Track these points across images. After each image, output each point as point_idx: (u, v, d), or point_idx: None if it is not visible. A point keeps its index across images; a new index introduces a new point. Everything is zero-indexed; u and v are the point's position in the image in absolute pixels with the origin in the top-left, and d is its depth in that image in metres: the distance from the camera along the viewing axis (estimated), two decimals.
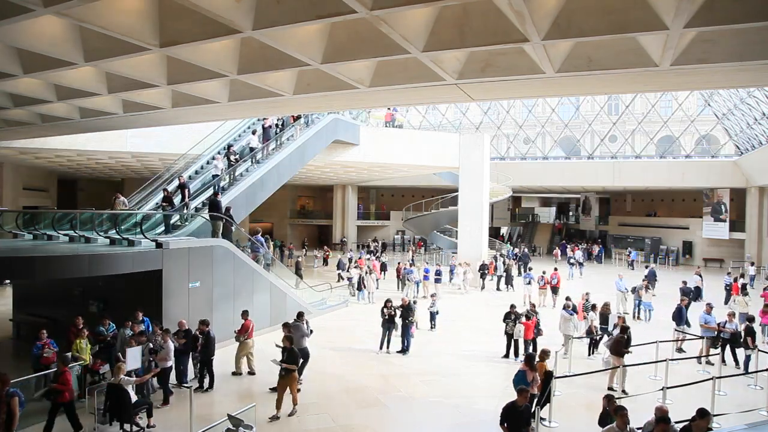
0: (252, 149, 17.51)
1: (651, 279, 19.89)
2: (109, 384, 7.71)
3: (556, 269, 19.74)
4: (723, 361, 11.31)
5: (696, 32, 5.71)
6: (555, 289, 18.87)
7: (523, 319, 12.00)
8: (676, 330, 12.92)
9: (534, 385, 8.10)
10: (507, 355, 12.16)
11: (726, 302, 18.50)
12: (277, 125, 19.10)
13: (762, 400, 9.41)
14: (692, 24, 5.18)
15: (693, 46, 5.98)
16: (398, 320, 12.70)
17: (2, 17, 5.72)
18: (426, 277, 20.16)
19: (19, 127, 13.69)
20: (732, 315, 11.74)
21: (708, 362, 11.32)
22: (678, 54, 6.09)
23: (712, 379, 8.79)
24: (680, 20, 5.13)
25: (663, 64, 6.22)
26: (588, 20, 5.48)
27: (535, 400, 8.08)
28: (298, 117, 19.38)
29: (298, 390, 9.03)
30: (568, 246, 33.56)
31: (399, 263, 23.12)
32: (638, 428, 6.07)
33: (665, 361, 9.74)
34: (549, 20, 5.54)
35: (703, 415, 5.81)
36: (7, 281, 17.86)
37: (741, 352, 11.37)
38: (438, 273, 20.62)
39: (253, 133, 17.95)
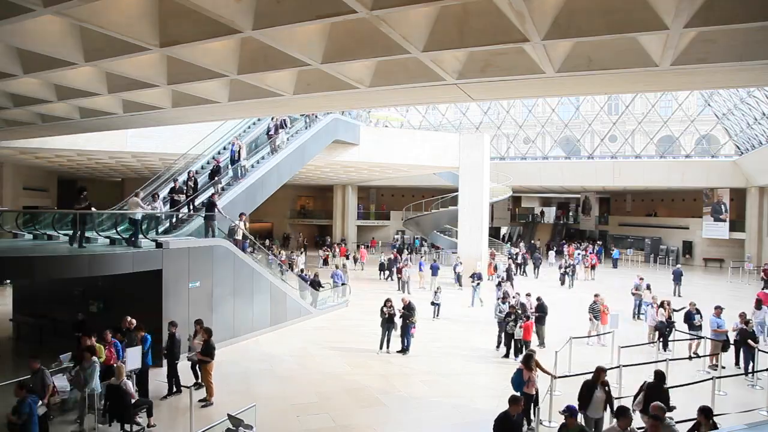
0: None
1: (677, 279, 20.65)
2: (108, 385, 7.71)
3: (591, 252, 28.27)
4: (737, 363, 11.32)
5: (696, 32, 5.71)
6: (593, 267, 26.61)
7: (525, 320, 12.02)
8: (690, 334, 12.46)
9: (530, 385, 8.12)
10: (507, 355, 12.17)
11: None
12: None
13: (762, 400, 9.41)
14: (692, 24, 5.18)
15: (693, 46, 5.98)
16: (398, 320, 12.70)
17: (2, 17, 5.72)
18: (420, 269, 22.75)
19: (19, 127, 13.69)
20: (743, 316, 11.62)
21: (714, 366, 11.21)
22: (678, 54, 6.09)
23: (712, 379, 8.79)
24: (680, 20, 5.13)
25: (663, 64, 6.22)
26: (588, 20, 5.48)
27: (533, 401, 8.09)
28: (216, 173, 15.26)
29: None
30: (566, 246, 33.56)
31: (401, 263, 23.12)
32: (639, 428, 6.07)
33: (665, 361, 9.74)
34: (549, 20, 5.54)
35: (702, 411, 5.83)
36: (7, 281, 17.85)
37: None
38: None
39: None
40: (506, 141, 40.00)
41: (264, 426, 7.68)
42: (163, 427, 8.25)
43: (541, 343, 12.78)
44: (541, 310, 13.24)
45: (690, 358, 11.75)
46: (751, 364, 10.76)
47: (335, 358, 12.13)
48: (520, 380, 8.07)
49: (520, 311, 12.28)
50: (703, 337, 11.87)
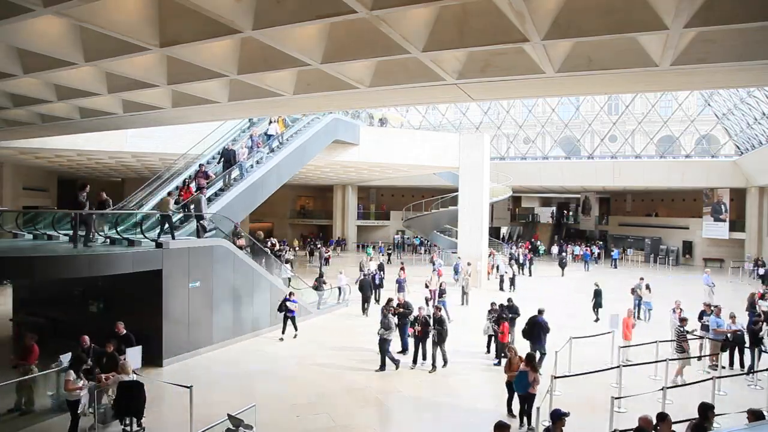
0: None
1: None
2: (121, 382, 7.70)
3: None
4: (731, 364, 11.36)
5: (696, 32, 5.71)
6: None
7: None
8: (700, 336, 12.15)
9: (536, 385, 8.12)
10: (488, 351, 12.43)
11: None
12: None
13: (762, 400, 9.41)
14: (692, 24, 5.18)
15: (693, 46, 5.98)
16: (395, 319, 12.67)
17: (2, 17, 5.72)
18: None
19: (19, 127, 13.69)
20: (733, 317, 11.68)
21: (714, 366, 11.21)
22: (678, 54, 6.09)
23: (712, 379, 8.80)
24: (680, 20, 5.13)
25: (663, 64, 6.21)
26: (588, 20, 5.48)
27: (534, 401, 8.11)
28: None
29: None
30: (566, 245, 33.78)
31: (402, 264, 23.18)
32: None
33: (665, 361, 9.73)
34: (549, 20, 5.54)
35: (662, 418, 5.83)
36: (7, 281, 17.85)
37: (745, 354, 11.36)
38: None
39: None
40: (506, 141, 40.01)
41: (264, 426, 7.68)
42: (163, 427, 8.25)
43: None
44: (513, 311, 12.83)
45: (697, 357, 11.72)
46: (753, 363, 10.78)
47: (335, 358, 12.13)
48: (525, 381, 8.08)
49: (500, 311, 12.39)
50: (703, 337, 11.87)
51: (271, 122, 18.09)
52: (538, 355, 10.44)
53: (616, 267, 30.82)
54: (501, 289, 22.41)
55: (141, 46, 6.46)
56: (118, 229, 11.91)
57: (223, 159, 15.95)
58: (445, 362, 11.44)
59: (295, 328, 13.70)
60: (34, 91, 9.57)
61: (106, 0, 5.74)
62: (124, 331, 9.62)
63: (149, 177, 18.71)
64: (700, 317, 12.63)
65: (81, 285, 12.13)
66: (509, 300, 13.39)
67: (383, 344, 11.29)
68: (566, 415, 6.03)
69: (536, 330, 11.06)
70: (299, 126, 19.67)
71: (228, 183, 15.34)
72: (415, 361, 11.55)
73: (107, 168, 27.03)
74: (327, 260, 29.22)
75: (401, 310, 12.54)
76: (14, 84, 8.97)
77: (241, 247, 14.06)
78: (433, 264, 23.84)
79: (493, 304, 12.72)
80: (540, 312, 11.38)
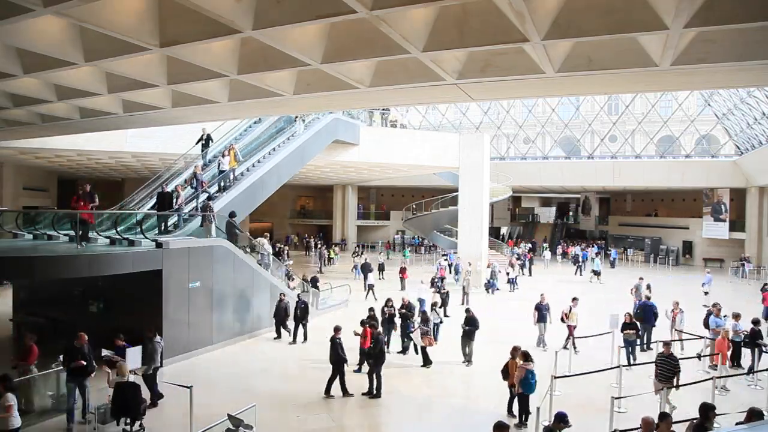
0: None
1: None
2: (117, 383, 7.70)
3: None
4: (732, 363, 11.29)
5: (696, 32, 5.71)
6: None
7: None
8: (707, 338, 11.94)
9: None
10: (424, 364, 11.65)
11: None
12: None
13: (762, 400, 9.41)
14: (692, 24, 5.18)
15: (693, 46, 5.98)
16: (397, 320, 12.67)
17: (2, 17, 5.71)
18: None
19: (19, 127, 13.69)
20: (737, 316, 11.65)
21: (714, 366, 11.19)
22: (678, 54, 6.09)
23: (712, 379, 8.79)
24: (680, 20, 5.13)
25: (663, 64, 6.22)
26: (588, 20, 5.48)
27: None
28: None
29: None
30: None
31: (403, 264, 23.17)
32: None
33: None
34: (549, 20, 5.54)
35: (663, 417, 5.84)
36: (7, 281, 17.84)
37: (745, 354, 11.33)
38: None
39: None
40: (506, 141, 40.00)
41: (264, 426, 7.68)
42: (163, 427, 8.25)
43: (468, 361, 11.72)
44: (471, 323, 11.79)
45: (699, 357, 11.72)
46: (753, 363, 10.78)
47: None
48: (532, 379, 8.18)
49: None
50: (703, 337, 11.87)
51: (224, 156, 15.98)
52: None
53: (613, 267, 30.80)
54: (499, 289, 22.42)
55: (141, 46, 6.46)
56: (119, 229, 11.91)
57: (157, 205, 13.78)
58: (378, 391, 9.64)
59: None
60: (34, 91, 9.57)
61: (106, 0, 5.74)
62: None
63: (149, 177, 18.71)
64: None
65: (81, 285, 12.13)
66: (467, 311, 12.32)
67: (149, 380, 8.90)
68: (568, 424, 6.04)
69: (647, 313, 12.84)
70: (258, 156, 17.86)
71: (164, 230, 13.12)
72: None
73: (107, 168, 27.04)
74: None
75: (404, 311, 12.56)
76: (14, 84, 8.97)
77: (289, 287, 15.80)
78: (439, 265, 23.73)
79: (434, 304, 12.41)
80: (648, 297, 13.74)
